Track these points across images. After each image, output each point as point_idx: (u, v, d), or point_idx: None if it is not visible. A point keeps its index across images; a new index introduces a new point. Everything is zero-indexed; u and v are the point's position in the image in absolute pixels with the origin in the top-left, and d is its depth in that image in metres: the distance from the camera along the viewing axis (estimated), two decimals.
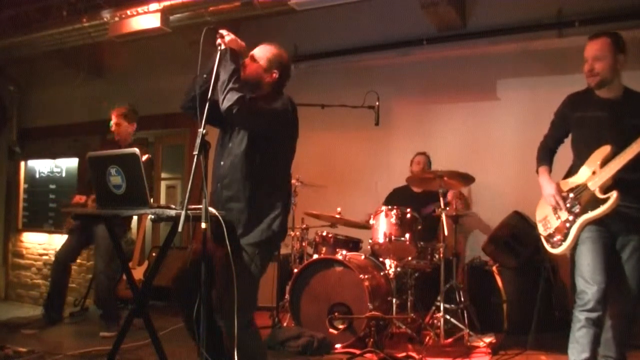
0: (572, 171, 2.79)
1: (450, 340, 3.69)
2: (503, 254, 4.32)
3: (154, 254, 5.51)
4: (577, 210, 2.64)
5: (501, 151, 4.80)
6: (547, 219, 2.80)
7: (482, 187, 4.62)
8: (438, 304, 3.80)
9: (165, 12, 4.72)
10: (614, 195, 2.52)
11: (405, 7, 5.06)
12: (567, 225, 2.67)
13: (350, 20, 5.37)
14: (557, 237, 2.72)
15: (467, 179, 4.02)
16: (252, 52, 2.58)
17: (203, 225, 2.15)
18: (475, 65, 4.94)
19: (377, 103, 3.95)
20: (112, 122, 4.26)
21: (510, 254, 4.28)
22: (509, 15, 4.74)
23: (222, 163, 2.55)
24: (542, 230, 2.83)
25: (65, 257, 4.23)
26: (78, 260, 6.64)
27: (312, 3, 4.43)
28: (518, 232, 4.31)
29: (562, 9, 4.54)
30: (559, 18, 4.55)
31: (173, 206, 2.33)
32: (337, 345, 3.63)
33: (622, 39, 2.67)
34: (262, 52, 2.57)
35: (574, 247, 2.67)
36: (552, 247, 2.76)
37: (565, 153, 2.93)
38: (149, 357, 3.18)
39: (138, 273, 5.21)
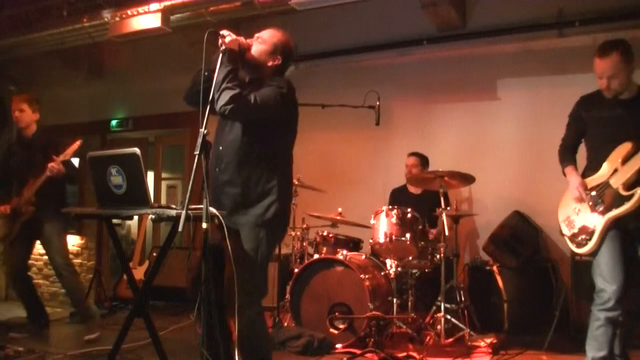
0: (588, 170, 2.79)
1: (450, 340, 3.69)
2: (503, 254, 4.32)
3: (154, 254, 5.51)
4: (602, 209, 2.63)
5: (501, 151, 4.80)
6: (571, 219, 2.79)
7: (482, 187, 4.61)
8: (438, 303, 3.79)
9: (166, 12, 4.72)
10: (638, 191, 2.51)
11: (405, 7, 5.05)
12: (592, 224, 2.66)
13: (350, 20, 5.36)
14: (582, 237, 2.70)
15: (468, 179, 4.03)
16: (259, 34, 2.58)
17: (204, 225, 2.15)
18: (475, 65, 4.94)
19: (377, 103, 3.95)
20: (14, 109, 4.09)
21: (510, 254, 4.28)
22: (509, 15, 4.73)
23: (220, 148, 2.56)
24: (566, 231, 2.80)
25: (17, 271, 4.06)
26: (78, 260, 6.68)
27: (312, 3, 4.42)
28: (518, 232, 4.31)
29: (562, 9, 4.54)
30: (559, 18, 4.55)
31: (173, 206, 2.33)
32: (338, 345, 3.63)
33: (630, 48, 2.64)
34: (269, 36, 2.57)
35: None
36: (578, 247, 2.73)
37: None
38: (149, 357, 3.18)
39: (138, 273, 5.22)
